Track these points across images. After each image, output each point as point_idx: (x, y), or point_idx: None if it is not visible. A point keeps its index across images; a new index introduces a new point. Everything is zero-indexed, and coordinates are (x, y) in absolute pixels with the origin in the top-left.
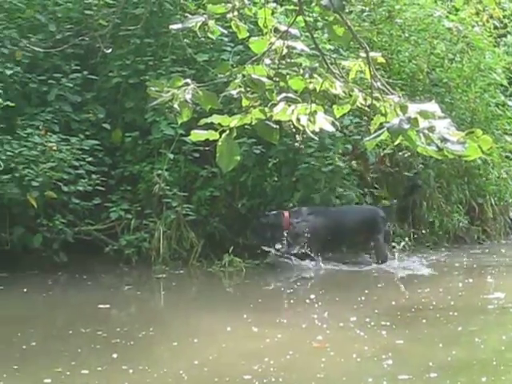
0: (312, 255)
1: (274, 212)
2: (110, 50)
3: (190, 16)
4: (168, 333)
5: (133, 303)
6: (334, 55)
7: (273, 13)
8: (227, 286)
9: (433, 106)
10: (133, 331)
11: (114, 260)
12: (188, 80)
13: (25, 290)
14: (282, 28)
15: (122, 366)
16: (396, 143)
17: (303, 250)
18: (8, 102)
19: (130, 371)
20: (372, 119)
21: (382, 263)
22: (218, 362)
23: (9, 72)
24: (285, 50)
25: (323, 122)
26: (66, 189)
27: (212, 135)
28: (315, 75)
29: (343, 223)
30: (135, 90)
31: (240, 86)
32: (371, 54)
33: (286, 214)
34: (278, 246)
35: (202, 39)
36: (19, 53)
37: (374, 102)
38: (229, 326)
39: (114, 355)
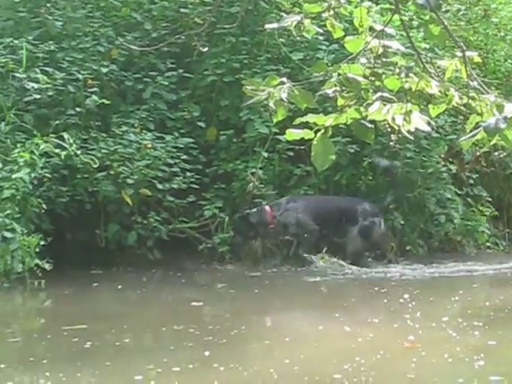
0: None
1: (255, 209)
2: (206, 49)
3: (285, 15)
4: (260, 331)
5: (226, 301)
6: (430, 54)
7: (368, 12)
8: (320, 284)
9: None
10: (225, 329)
11: (207, 258)
12: (284, 79)
13: (119, 286)
14: (378, 27)
15: (213, 363)
16: (492, 143)
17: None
18: (104, 100)
19: (221, 369)
20: (468, 118)
21: (353, 261)
22: (309, 361)
23: (104, 70)
24: (380, 49)
25: (419, 122)
26: (160, 186)
27: (307, 134)
28: (411, 74)
29: (325, 209)
30: (230, 89)
31: (335, 85)
32: (467, 53)
33: (268, 208)
34: (257, 243)
35: (297, 38)
36: (115, 51)
37: (470, 101)
38: (321, 325)
39: (206, 353)
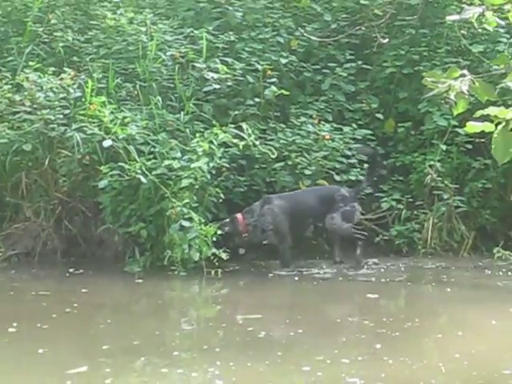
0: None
1: (227, 219)
2: (386, 40)
3: (466, 7)
4: (433, 325)
5: (401, 294)
6: None
7: None
8: (497, 279)
9: None
10: (399, 322)
11: (383, 250)
12: (465, 71)
13: (296, 278)
14: None
15: (383, 356)
16: None
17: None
18: (282, 91)
19: (390, 362)
20: None
21: (344, 230)
22: (479, 356)
23: (284, 61)
24: None
25: None
26: (337, 178)
27: (488, 127)
28: None
29: (302, 204)
30: (409, 81)
31: None
32: None
33: (240, 216)
34: (241, 251)
35: (478, 30)
36: (295, 42)
37: None
38: (494, 320)
39: (378, 345)
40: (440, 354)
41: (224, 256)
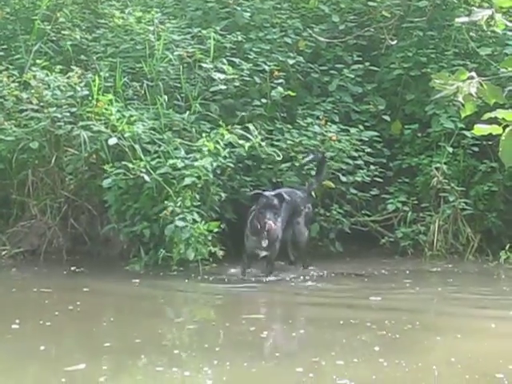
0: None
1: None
2: (394, 42)
3: (475, 9)
4: (433, 327)
5: (405, 296)
6: None
7: None
8: (502, 283)
9: None
10: (400, 324)
11: (389, 252)
12: (473, 73)
13: (302, 277)
14: None
15: (379, 358)
16: None
17: None
18: (289, 92)
19: (385, 364)
20: None
21: (304, 253)
22: (474, 359)
23: (291, 61)
24: None
25: None
26: (344, 179)
27: (495, 130)
28: None
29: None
30: (416, 83)
31: None
32: None
33: None
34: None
35: (486, 33)
36: (302, 42)
37: None
38: (493, 323)
39: (376, 347)
40: (435, 357)
41: (220, 254)
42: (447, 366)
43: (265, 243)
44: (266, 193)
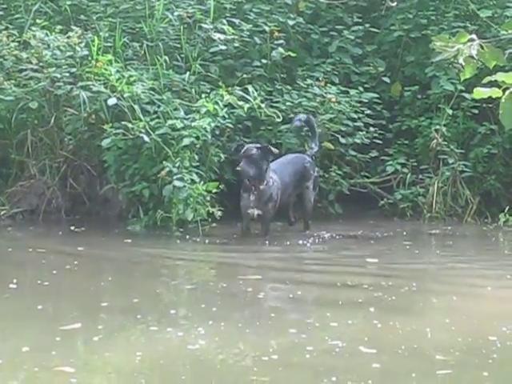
0: None
1: None
2: (394, 3)
3: None
4: (429, 290)
5: (402, 257)
6: None
7: None
8: (501, 245)
9: None
10: (396, 286)
11: (388, 213)
12: (473, 36)
13: (300, 241)
14: None
15: (373, 320)
16: None
17: None
18: (289, 53)
19: (379, 326)
20: None
21: (310, 216)
22: (469, 321)
23: (291, 22)
24: None
25: None
26: (343, 141)
27: (495, 93)
28: None
29: (287, 175)
30: (416, 45)
31: None
32: None
33: None
34: None
35: None
36: (302, 3)
37: None
38: (490, 286)
39: (371, 309)
40: (430, 319)
41: (218, 214)
42: (441, 328)
43: (252, 197)
44: (250, 145)
